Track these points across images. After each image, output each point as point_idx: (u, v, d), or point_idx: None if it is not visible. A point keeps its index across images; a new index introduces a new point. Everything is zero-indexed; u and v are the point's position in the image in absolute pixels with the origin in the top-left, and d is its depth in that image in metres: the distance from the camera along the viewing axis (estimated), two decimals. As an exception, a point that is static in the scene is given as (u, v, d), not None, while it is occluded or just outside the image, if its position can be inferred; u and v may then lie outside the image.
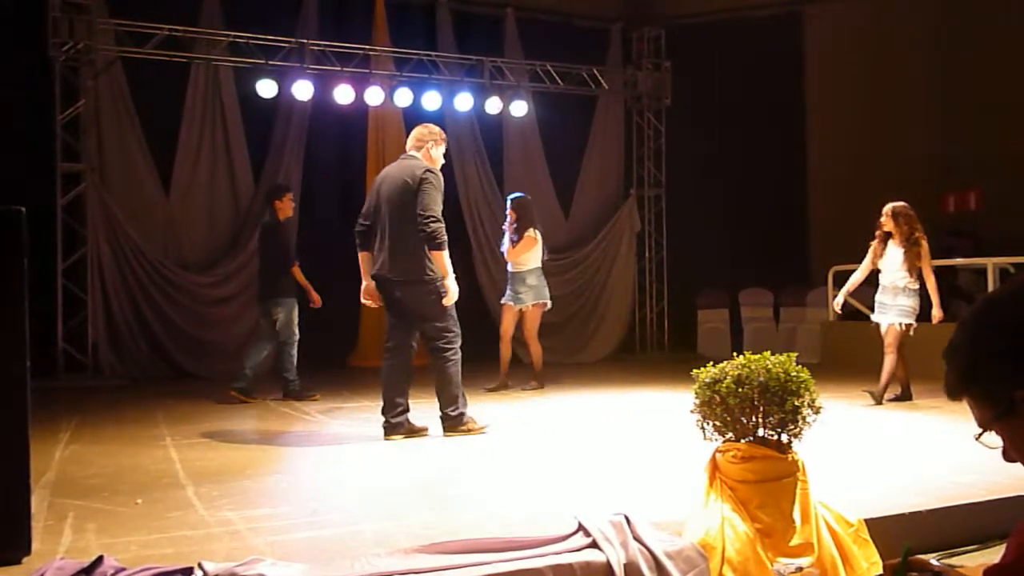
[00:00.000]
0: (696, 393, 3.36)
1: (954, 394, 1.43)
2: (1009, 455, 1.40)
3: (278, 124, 10.72)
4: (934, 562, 1.78)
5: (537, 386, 8.43)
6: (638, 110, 12.71)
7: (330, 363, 10.68)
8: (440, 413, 5.81)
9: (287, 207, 7.97)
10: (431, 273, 5.60)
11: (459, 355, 5.74)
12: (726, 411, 3.25)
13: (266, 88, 10.05)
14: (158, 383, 9.40)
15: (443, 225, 5.61)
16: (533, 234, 8.31)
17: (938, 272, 10.60)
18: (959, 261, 10.02)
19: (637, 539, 3.05)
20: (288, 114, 10.66)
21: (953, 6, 11.57)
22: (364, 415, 6.98)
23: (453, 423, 5.76)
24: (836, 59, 12.18)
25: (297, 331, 7.85)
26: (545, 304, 8.44)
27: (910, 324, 7.06)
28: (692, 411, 3.38)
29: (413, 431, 5.76)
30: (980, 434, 1.41)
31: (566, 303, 11.52)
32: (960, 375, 1.40)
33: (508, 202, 8.64)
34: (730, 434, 3.29)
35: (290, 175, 10.69)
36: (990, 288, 8.74)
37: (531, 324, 8.46)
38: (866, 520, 3.35)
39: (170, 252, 10.21)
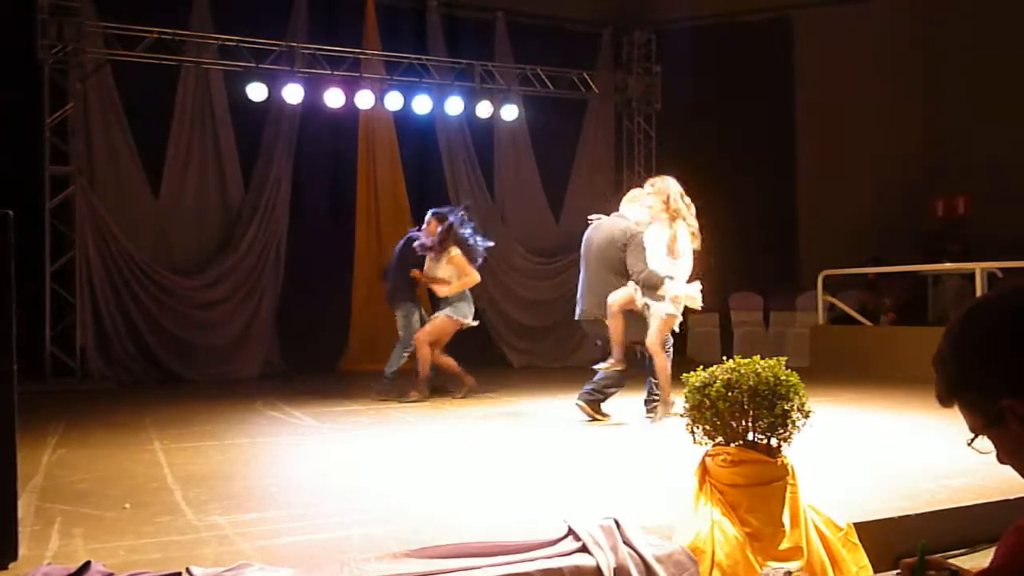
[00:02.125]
0: (686, 397, 3.36)
1: (944, 402, 1.44)
2: (1002, 458, 1.41)
3: (268, 127, 10.70)
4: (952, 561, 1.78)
5: (417, 397, 7.94)
6: (628, 114, 12.73)
7: (321, 366, 10.67)
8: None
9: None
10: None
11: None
12: (716, 415, 3.25)
13: (256, 91, 10.03)
14: (146, 387, 9.37)
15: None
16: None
17: (923, 276, 10.71)
18: (948, 266, 10.06)
19: (627, 543, 3.05)
20: (278, 117, 10.64)
21: (940, 11, 11.63)
22: (354, 419, 6.97)
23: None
24: (825, 64, 12.23)
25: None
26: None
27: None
28: (682, 415, 3.38)
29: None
30: (972, 439, 1.42)
31: (556, 307, 11.52)
32: (948, 384, 1.41)
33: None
34: (720, 438, 3.29)
35: (280, 178, 10.68)
36: (978, 292, 8.78)
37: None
38: (855, 524, 3.36)
39: (159, 255, 10.17)
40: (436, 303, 8.30)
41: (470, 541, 3.12)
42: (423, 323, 8.24)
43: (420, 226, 8.31)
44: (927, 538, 3.49)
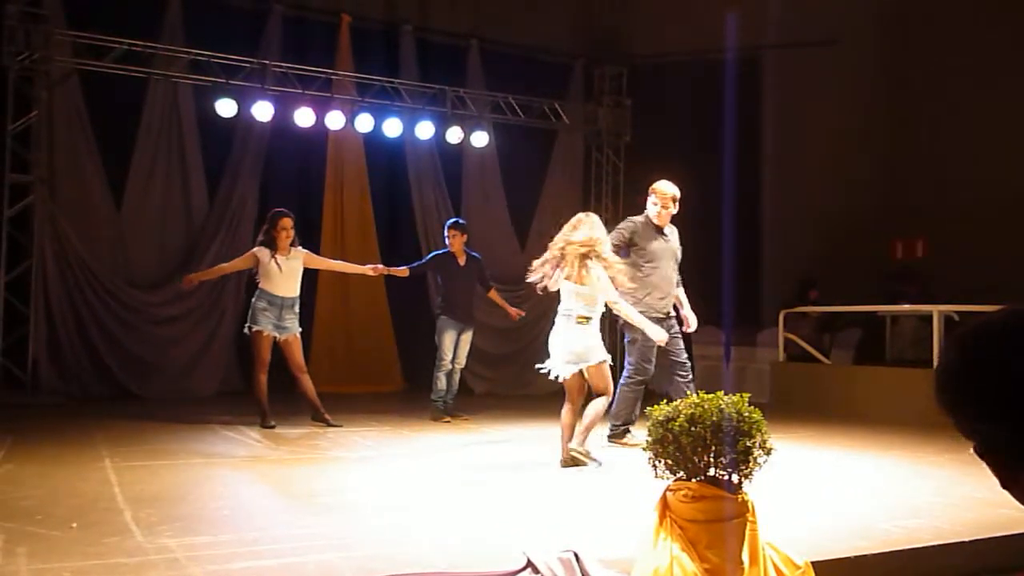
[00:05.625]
0: (649, 430, 3.35)
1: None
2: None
3: (236, 144, 10.59)
4: None
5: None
6: (598, 146, 12.82)
7: (280, 387, 10.50)
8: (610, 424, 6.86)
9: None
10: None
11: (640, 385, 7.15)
12: (678, 449, 3.24)
13: (225, 107, 9.93)
14: (100, 402, 9.15)
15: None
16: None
17: (882, 316, 10.86)
18: (905, 308, 10.20)
19: (585, 577, 3.02)
20: (247, 134, 10.54)
21: (907, 57, 11.88)
22: (311, 442, 6.89)
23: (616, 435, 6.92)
24: (792, 105, 12.42)
25: (445, 352, 8.56)
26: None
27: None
28: (644, 448, 3.37)
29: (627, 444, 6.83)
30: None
31: (518, 335, 11.51)
32: (944, 408, 1.41)
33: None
34: (681, 473, 3.29)
35: (246, 196, 10.58)
36: (935, 334, 8.90)
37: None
38: (813, 563, 3.36)
39: (118, 269, 9.99)
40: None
41: (427, 572, 3.08)
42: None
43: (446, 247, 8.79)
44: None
